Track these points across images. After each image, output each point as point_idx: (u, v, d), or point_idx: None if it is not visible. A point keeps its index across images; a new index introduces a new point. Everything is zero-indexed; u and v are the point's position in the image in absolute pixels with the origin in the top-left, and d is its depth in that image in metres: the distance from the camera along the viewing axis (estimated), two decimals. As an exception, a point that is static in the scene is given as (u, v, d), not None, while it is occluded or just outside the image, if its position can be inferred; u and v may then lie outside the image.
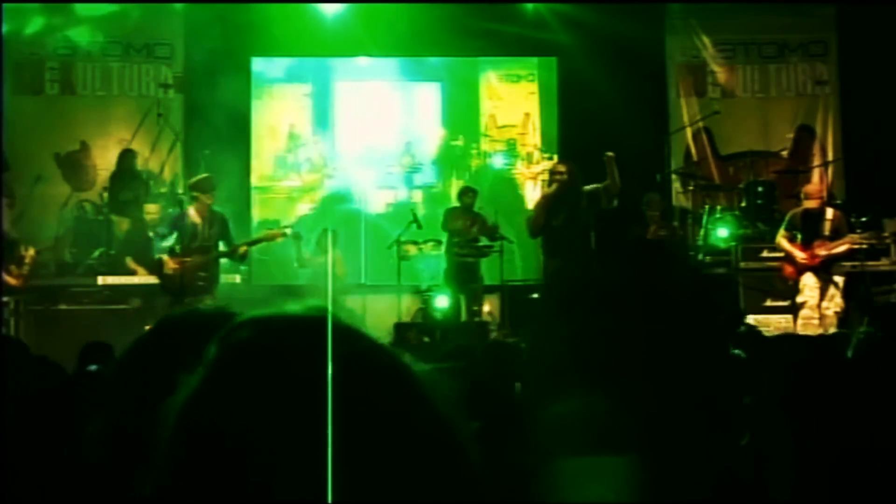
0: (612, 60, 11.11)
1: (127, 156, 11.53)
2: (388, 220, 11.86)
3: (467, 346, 4.52)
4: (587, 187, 8.58)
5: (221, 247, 8.91)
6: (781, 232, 9.21)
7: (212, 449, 1.02)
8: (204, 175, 9.36)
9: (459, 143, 12.27)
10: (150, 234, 9.89)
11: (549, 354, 1.24)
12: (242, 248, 8.84)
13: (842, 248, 8.92)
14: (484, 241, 10.69)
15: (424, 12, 11.36)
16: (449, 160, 12.27)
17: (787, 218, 9.31)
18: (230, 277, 10.09)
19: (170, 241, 8.78)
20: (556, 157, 11.82)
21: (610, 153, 8.56)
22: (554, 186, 8.42)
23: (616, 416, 1.17)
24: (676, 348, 1.20)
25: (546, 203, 8.47)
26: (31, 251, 9.53)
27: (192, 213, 8.87)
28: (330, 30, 11.68)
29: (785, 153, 11.91)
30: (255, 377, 0.97)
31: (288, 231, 9.80)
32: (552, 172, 8.68)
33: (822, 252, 8.84)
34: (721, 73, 12.10)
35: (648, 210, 10.33)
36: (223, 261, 9.20)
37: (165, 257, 8.82)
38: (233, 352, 1.02)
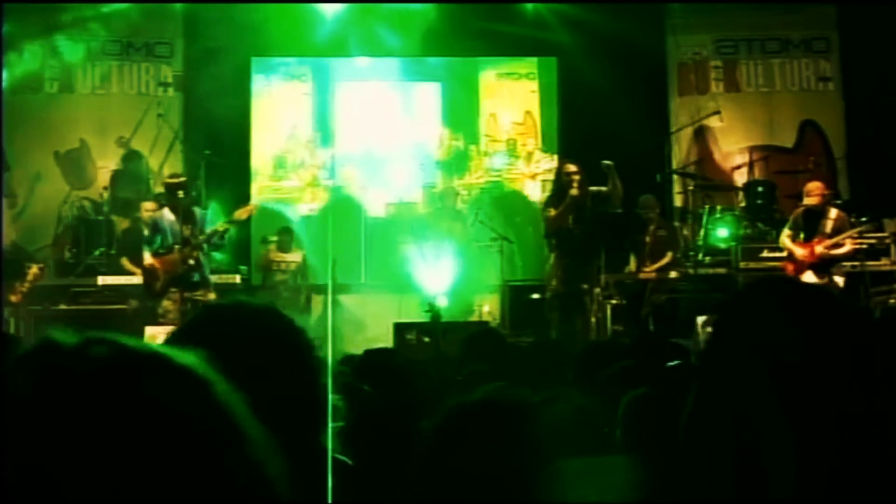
0: (612, 60, 11.11)
1: (131, 156, 11.53)
2: (389, 220, 11.88)
3: None
4: (593, 188, 8.59)
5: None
6: (785, 231, 9.22)
7: None
8: (173, 173, 9.38)
9: (459, 142, 12.27)
10: (146, 232, 9.88)
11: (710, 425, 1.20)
12: (221, 226, 8.80)
13: (843, 250, 8.91)
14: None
15: (424, 12, 11.36)
16: (449, 160, 12.26)
17: (791, 217, 9.32)
18: (230, 277, 10.09)
19: (156, 243, 8.80)
20: (555, 157, 11.82)
21: (608, 161, 8.55)
22: (575, 188, 8.42)
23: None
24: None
25: (572, 205, 8.46)
26: (35, 268, 9.50)
27: (167, 212, 8.87)
28: (330, 30, 11.67)
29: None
30: None
31: (256, 205, 9.84)
32: (566, 174, 8.63)
33: (820, 249, 8.84)
34: (723, 70, 12.10)
35: (644, 212, 10.31)
36: (219, 259, 9.24)
37: (147, 255, 8.85)
38: None
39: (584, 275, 8.42)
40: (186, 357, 0.86)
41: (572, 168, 8.58)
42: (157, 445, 0.78)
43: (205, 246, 8.77)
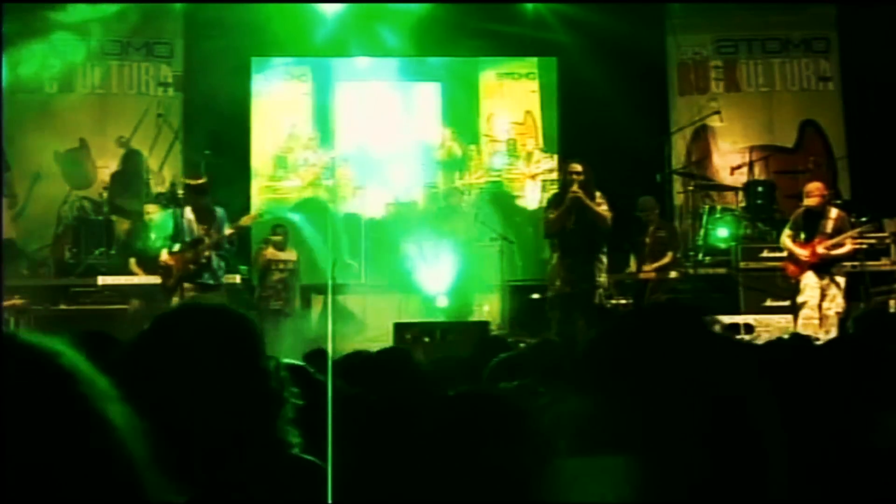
0: (612, 60, 11.10)
1: (130, 156, 11.53)
2: (388, 220, 11.87)
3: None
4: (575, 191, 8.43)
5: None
6: (786, 232, 9.21)
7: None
8: (195, 174, 9.39)
9: (459, 142, 12.26)
10: (152, 235, 9.90)
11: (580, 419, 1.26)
12: (228, 231, 8.82)
13: (844, 250, 8.90)
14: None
15: (424, 12, 11.36)
16: (449, 160, 12.26)
17: (791, 218, 9.31)
18: (230, 278, 10.09)
19: (176, 244, 8.82)
20: (555, 157, 11.83)
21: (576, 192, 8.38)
22: (575, 187, 8.34)
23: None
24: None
25: (572, 206, 8.38)
26: (16, 300, 9.44)
27: (187, 210, 8.91)
28: (330, 30, 11.67)
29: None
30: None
31: (262, 214, 9.85)
32: (569, 172, 8.55)
33: (821, 249, 8.84)
34: (723, 70, 12.10)
35: (644, 214, 10.31)
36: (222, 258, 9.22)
37: (164, 253, 8.91)
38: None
39: (586, 274, 8.34)
40: (54, 344, 0.88)
41: (577, 168, 8.51)
42: (10, 429, 0.80)
43: (227, 245, 8.82)
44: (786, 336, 4.84)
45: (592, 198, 8.33)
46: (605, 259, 8.46)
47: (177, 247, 8.81)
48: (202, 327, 1.80)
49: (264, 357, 1.82)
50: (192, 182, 9.06)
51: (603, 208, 8.31)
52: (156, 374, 1.71)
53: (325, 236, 11.15)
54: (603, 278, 8.44)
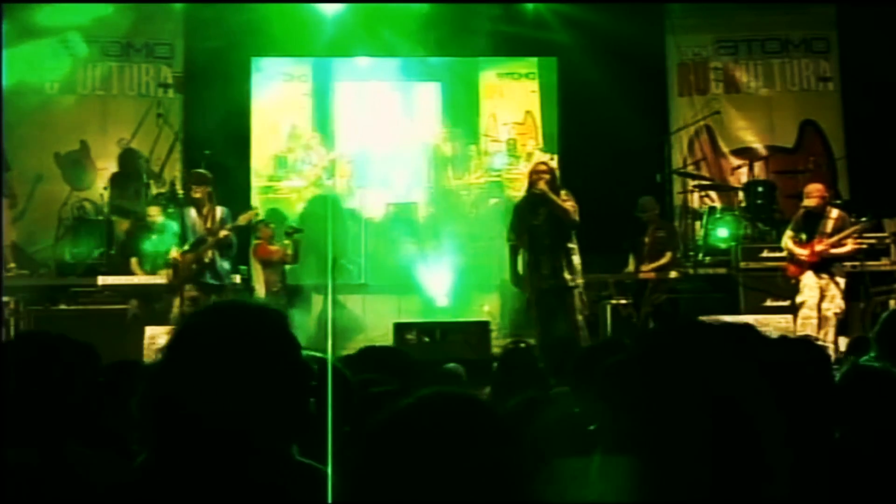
0: (612, 60, 11.11)
1: (128, 155, 11.53)
2: (388, 220, 11.87)
3: None
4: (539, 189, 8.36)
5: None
6: (787, 234, 9.20)
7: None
8: (196, 170, 9.37)
9: (459, 143, 12.26)
10: (153, 236, 9.90)
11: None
12: (223, 233, 8.79)
13: (845, 249, 8.89)
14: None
15: (424, 12, 11.36)
16: (449, 160, 12.26)
17: (792, 220, 9.30)
18: (232, 277, 10.09)
19: (189, 240, 8.83)
20: (556, 157, 11.83)
21: (542, 188, 8.32)
22: (542, 184, 8.29)
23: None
24: None
25: (525, 206, 8.34)
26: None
27: (192, 210, 8.90)
28: (330, 30, 11.68)
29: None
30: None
31: (257, 211, 9.90)
32: (535, 172, 8.51)
33: (820, 247, 8.83)
34: (723, 70, 12.11)
35: (644, 214, 10.30)
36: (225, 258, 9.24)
37: (174, 250, 8.91)
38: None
39: (555, 270, 8.21)
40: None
41: (543, 167, 8.53)
42: None
43: (225, 245, 8.82)
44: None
45: (557, 194, 8.27)
46: (575, 254, 8.30)
47: (186, 246, 8.81)
48: (240, 323, 1.77)
49: (299, 356, 1.79)
50: (195, 172, 9.10)
51: (568, 203, 8.24)
52: (192, 370, 1.69)
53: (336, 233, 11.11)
54: (570, 273, 8.22)
